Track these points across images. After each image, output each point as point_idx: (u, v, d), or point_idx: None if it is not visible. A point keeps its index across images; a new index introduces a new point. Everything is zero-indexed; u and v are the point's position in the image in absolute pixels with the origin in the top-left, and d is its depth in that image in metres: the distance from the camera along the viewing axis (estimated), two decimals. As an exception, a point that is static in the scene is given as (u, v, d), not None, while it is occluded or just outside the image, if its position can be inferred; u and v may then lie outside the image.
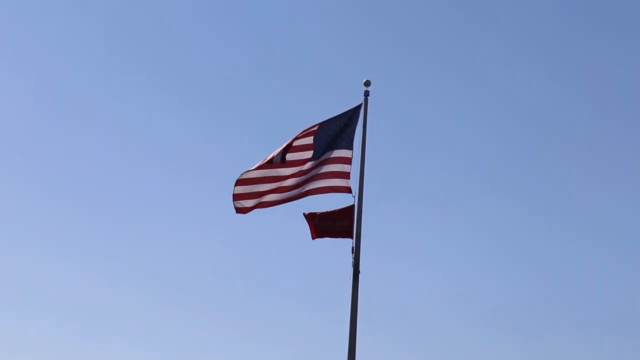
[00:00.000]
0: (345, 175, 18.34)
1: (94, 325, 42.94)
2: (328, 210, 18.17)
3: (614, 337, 41.66)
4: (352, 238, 18.06)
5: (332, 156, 18.45)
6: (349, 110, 18.64)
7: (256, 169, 18.40)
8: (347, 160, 18.41)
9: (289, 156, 18.37)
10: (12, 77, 53.06)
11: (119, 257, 47.28)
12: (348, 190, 18.29)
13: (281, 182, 18.40)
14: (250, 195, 18.38)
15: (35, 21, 53.86)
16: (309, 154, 18.42)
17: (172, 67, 55.02)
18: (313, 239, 18.20)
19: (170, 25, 55.75)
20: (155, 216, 49.97)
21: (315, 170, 18.41)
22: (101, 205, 50.08)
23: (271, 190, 18.36)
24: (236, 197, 18.40)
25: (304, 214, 18.17)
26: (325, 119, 18.50)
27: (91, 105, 53.30)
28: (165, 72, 54.84)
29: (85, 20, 54.21)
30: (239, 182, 18.38)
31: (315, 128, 18.42)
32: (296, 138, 18.41)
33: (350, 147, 18.45)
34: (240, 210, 18.45)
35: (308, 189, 18.40)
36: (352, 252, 17.98)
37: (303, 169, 18.40)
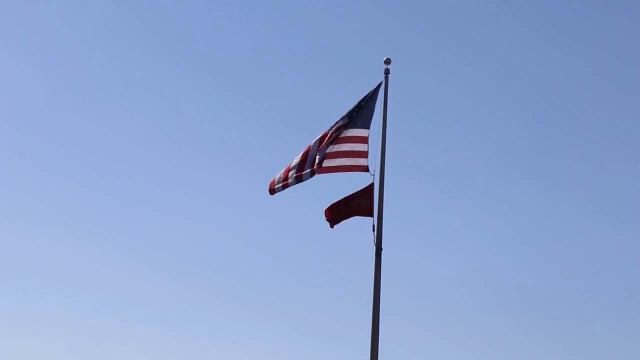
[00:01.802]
0: (363, 155, 18.40)
1: (119, 304, 43.21)
2: (346, 196, 18.30)
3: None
4: (372, 216, 18.15)
5: (348, 135, 18.48)
6: (370, 91, 18.69)
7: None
8: (364, 140, 18.43)
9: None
10: (46, 61, 53.29)
11: (145, 238, 47.56)
12: (366, 169, 18.34)
13: (303, 154, 18.58)
14: (280, 177, 18.67)
15: (65, 6, 54.05)
16: (345, 120, 18.61)
17: (195, 49, 55.11)
18: (332, 227, 18.42)
19: (193, 5, 55.81)
20: (181, 198, 50.17)
21: (332, 147, 18.45)
22: (127, 187, 50.34)
23: (295, 164, 18.55)
24: (270, 184, 18.72)
25: (326, 210, 18.38)
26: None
27: (120, 90, 53.52)
28: (190, 54, 54.92)
29: (113, 3, 54.38)
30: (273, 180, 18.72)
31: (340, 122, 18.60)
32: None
33: (367, 126, 18.48)
34: (272, 192, 18.79)
35: (326, 166, 18.45)
36: (374, 231, 18.05)
37: (335, 134, 18.52)
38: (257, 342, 41.41)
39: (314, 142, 18.52)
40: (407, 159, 44.41)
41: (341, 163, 18.38)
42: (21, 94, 52.43)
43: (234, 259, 46.61)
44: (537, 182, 49.92)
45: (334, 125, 18.52)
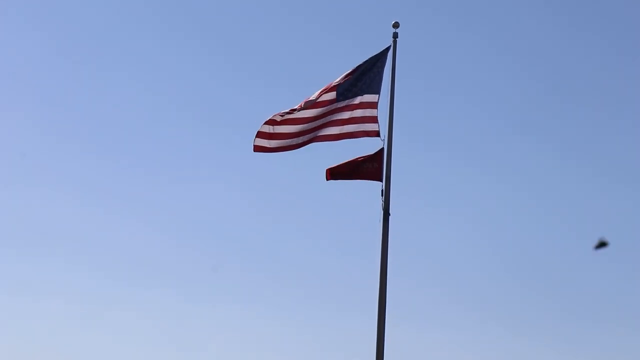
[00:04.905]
0: (373, 120, 18.33)
1: (120, 267, 43.33)
2: (353, 159, 18.18)
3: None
4: (381, 181, 18.11)
5: (358, 102, 18.41)
6: (376, 55, 18.57)
7: (285, 113, 18.38)
8: (374, 105, 18.38)
9: (316, 98, 18.42)
10: (44, 27, 53.12)
11: (148, 201, 47.60)
12: (376, 134, 18.29)
13: (306, 124, 18.39)
14: (273, 135, 18.37)
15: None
16: (332, 94, 18.40)
17: (193, 10, 54.85)
18: (327, 179, 18.14)
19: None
20: (185, 161, 50.15)
21: (341, 114, 18.36)
22: (128, 152, 50.30)
23: (296, 133, 18.36)
24: (260, 134, 18.37)
25: (327, 169, 18.18)
26: (351, 69, 18.49)
27: (114, 52, 53.34)
28: (189, 13, 54.68)
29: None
30: (267, 122, 18.36)
31: (341, 80, 18.42)
32: (323, 91, 18.43)
33: (377, 92, 18.41)
34: (258, 149, 18.36)
35: (335, 133, 18.38)
36: (382, 195, 18.03)
37: (328, 109, 18.39)
38: (263, 306, 41.52)
39: (310, 104, 18.35)
40: (414, 123, 44.35)
41: (352, 130, 18.32)
42: (20, 57, 52.33)
43: (238, 223, 46.67)
44: (544, 147, 49.89)
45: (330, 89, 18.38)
